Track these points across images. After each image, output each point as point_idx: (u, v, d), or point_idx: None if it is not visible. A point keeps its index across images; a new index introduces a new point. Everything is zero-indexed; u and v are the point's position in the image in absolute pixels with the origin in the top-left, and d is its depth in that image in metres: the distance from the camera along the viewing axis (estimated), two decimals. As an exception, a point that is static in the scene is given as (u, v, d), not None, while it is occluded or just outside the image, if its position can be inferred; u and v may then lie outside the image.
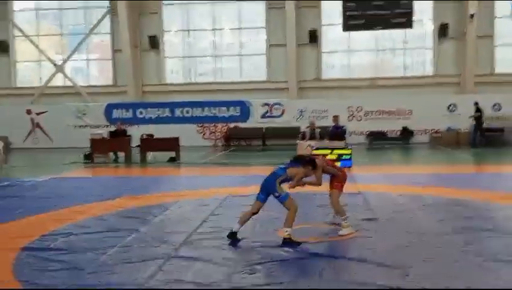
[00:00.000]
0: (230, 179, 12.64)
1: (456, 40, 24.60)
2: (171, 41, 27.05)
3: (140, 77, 26.55)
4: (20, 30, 27.15)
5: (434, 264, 5.50)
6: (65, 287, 4.95)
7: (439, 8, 24.66)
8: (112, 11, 26.11)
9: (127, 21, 25.40)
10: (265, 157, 18.59)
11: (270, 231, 6.92)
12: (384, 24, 23.44)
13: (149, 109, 25.61)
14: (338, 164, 13.57)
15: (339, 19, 24.01)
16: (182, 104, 25.42)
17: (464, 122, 22.55)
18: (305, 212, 7.03)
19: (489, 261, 5.53)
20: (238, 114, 25.15)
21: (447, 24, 24.25)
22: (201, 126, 25.32)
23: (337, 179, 7.03)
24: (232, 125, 25.17)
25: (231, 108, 25.20)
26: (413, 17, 23.52)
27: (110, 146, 18.51)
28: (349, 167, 13.84)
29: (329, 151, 13.94)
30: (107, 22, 26.77)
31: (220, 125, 25.24)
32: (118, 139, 18.47)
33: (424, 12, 24.72)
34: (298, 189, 6.79)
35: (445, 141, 22.85)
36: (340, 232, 6.78)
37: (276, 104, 24.92)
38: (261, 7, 25.80)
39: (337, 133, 16.47)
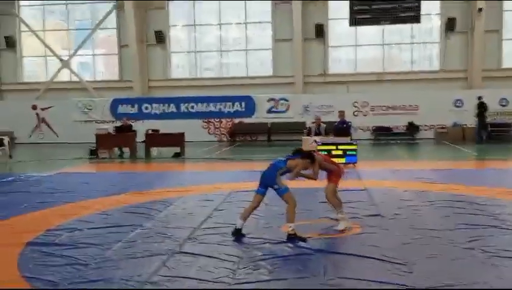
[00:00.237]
0: (235, 174, 12.64)
1: (464, 35, 24.45)
2: (177, 36, 27.05)
3: (146, 72, 26.58)
4: (27, 25, 27.21)
5: (438, 261, 5.48)
6: (69, 283, 4.97)
7: (446, 2, 24.49)
8: (118, 6, 26.10)
9: (134, 16, 25.42)
10: (270, 153, 18.56)
11: (274, 227, 6.92)
12: (392, 19, 23.31)
13: (154, 104, 25.64)
14: (343, 160, 13.70)
15: (346, 14, 23.90)
16: (188, 100, 25.43)
17: (470, 118, 22.43)
18: (308, 209, 7.03)
19: (493, 258, 5.50)
20: (244, 109, 25.13)
21: (454, 18, 24.10)
22: (206, 121, 25.34)
23: (334, 174, 7.07)
24: (237, 120, 25.16)
25: (236, 103, 25.18)
26: (421, 12, 23.37)
27: (115, 141, 18.52)
28: (355, 162, 13.82)
29: (334, 146, 13.91)
30: (113, 17, 26.79)
31: (225, 121, 25.25)
32: (123, 135, 18.49)
33: (431, 7, 24.55)
34: (299, 184, 6.78)
35: (451, 137, 22.74)
36: (338, 227, 6.77)
37: (281, 99, 24.88)
38: (267, 2, 25.69)
39: (342, 128, 16.41)
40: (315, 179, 6.87)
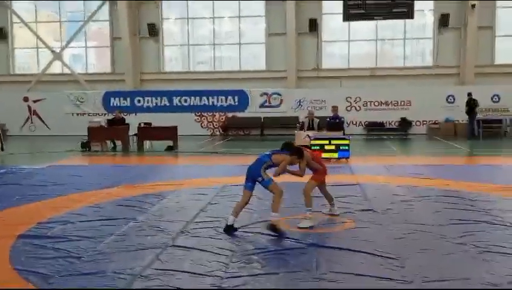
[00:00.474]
0: (228, 168, 12.63)
1: (457, 31, 24.53)
2: (170, 29, 26.93)
3: (138, 65, 26.46)
4: (19, 17, 26.97)
5: (430, 255, 5.51)
6: (61, 275, 4.96)
7: (440, -2, 24.56)
8: (111, -1, 25.96)
9: (126, 9, 25.27)
10: (263, 147, 18.55)
11: (267, 221, 6.91)
12: (385, 14, 23.27)
13: (147, 97, 25.55)
14: (336, 155, 13.74)
15: (340, 8, 23.82)
16: (180, 93, 25.35)
17: (462, 114, 22.49)
18: (301, 203, 7.03)
19: (484, 253, 5.54)
20: (237, 103, 25.10)
21: (447, 14, 24.16)
22: (199, 115, 25.28)
23: (318, 173, 7.09)
24: (230, 114, 25.13)
25: (230, 97, 25.13)
26: (414, 8, 23.36)
27: (107, 134, 18.44)
28: (347, 157, 13.85)
29: (327, 141, 13.94)
30: (106, 9, 26.60)
31: (218, 115, 25.21)
32: (115, 128, 18.42)
33: (425, 3, 24.56)
34: (287, 179, 6.79)
35: (443, 132, 22.86)
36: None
37: (274, 93, 24.87)
38: (260, -5, 25.62)
39: (335, 123, 16.44)
40: (301, 176, 6.88)
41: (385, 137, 22.50)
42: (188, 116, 24.74)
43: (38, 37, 27.00)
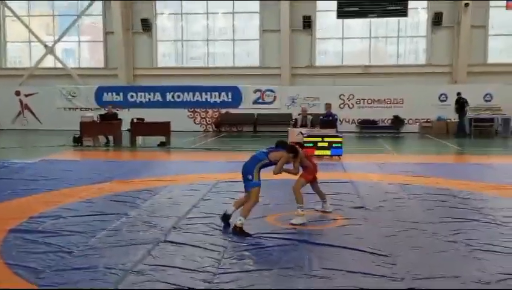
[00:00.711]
0: (220, 164, 12.63)
1: (450, 30, 24.60)
2: (163, 24, 26.81)
3: (131, 60, 26.33)
4: (11, 10, 26.75)
5: (421, 253, 5.55)
6: (52, 270, 4.94)
7: (433, -4, 24.62)
8: (104, -7, 25.80)
9: (120, 3, 25.14)
10: (256, 144, 18.55)
11: (260, 218, 6.93)
12: (379, 12, 23.34)
13: (140, 92, 25.44)
14: (329, 152, 13.78)
15: (334, 6, 23.84)
16: (174, 89, 25.26)
17: (454, 113, 22.58)
18: (293, 200, 7.03)
19: (475, 251, 5.58)
20: (230, 100, 25.05)
21: (441, 13, 24.22)
22: (192, 111, 25.22)
23: (308, 171, 7.12)
24: (223, 110, 25.09)
25: (223, 93, 25.09)
26: (408, 6, 23.42)
27: (100, 129, 18.36)
28: (340, 155, 13.88)
29: (320, 138, 13.96)
30: (99, 3, 26.43)
31: (211, 111, 25.16)
32: (108, 123, 18.33)
33: (418, 1, 24.62)
34: (279, 176, 6.80)
35: (435, 131, 22.96)
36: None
37: (268, 90, 24.84)
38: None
39: (329, 121, 16.45)
40: (296, 174, 6.92)
41: (378, 135, 22.56)
42: (181, 112, 24.67)
43: (30, 30, 26.80)
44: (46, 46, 26.75)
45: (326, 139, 13.95)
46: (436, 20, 24.30)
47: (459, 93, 21.83)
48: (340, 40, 25.67)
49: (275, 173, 6.61)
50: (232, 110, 25.00)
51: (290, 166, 6.83)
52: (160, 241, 5.90)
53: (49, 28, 27.59)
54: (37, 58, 26.91)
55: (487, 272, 4.90)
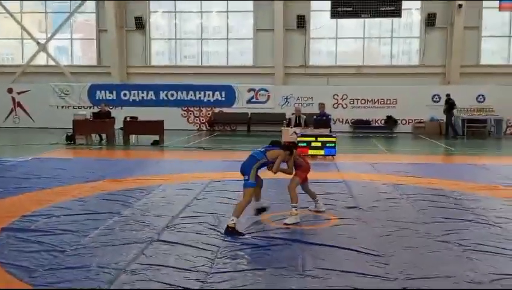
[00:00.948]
0: (214, 163, 12.61)
1: (443, 31, 24.69)
2: (157, 22, 26.74)
3: (125, 58, 26.25)
4: (3, 7, 26.58)
5: (414, 253, 5.56)
6: (45, 269, 4.91)
7: (427, -3, 24.70)
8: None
9: (113, 1, 25.03)
10: (249, 143, 18.55)
11: (254, 218, 6.92)
12: (373, 12, 23.38)
13: (133, 90, 25.35)
14: (322, 152, 13.81)
15: (328, 5, 23.85)
16: (167, 87, 25.20)
17: (443, 113, 22.64)
18: (287, 199, 7.03)
19: (467, 251, 5.60)
20: (224, 99, 25.03)
21: (434, 14, 24.31)
22: (185, 110, 25.17)
23: (302, 169, 7.14)
24: (217, 109, 25.07)
25: (217, 92, 25.06)
26: (402, 6, 23.48)
27: (93, 128, 18.29)
28: (333, 155, 13.90)
29: (314, 138, 13.97)
30: (92, 1, 26.31)
31: (204, 110, 25.12)
32: (101, 121, 18.26)
33: (412, 2, 24.70)
34: (272, 175, 6.80)
35: (428, 131, 23.08)
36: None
37: (261, 89, 24.84)
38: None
39: (322, 121, 16.46)
40: (291, 173, 6.97)
41: (371, 135, 22.61)
42: (174, 110, 24.63)
43: (23, 27, 26.65)
44: (38, 43, 26.61)
45: (319, 139, 13.98)
46: (430, 21, 24.40)
47: (448, 95, 22.09)
48: (334, 40, 25.71)
49: (274, 171, 6.65)
50: (226, 109, 24.98)
51: (284, 165, 6.85)
52: (153, 241, 5.88)
53: (42, 25, 27.44)
54: (30, 55, 26.78)
55: (480, 272, 4.92)
